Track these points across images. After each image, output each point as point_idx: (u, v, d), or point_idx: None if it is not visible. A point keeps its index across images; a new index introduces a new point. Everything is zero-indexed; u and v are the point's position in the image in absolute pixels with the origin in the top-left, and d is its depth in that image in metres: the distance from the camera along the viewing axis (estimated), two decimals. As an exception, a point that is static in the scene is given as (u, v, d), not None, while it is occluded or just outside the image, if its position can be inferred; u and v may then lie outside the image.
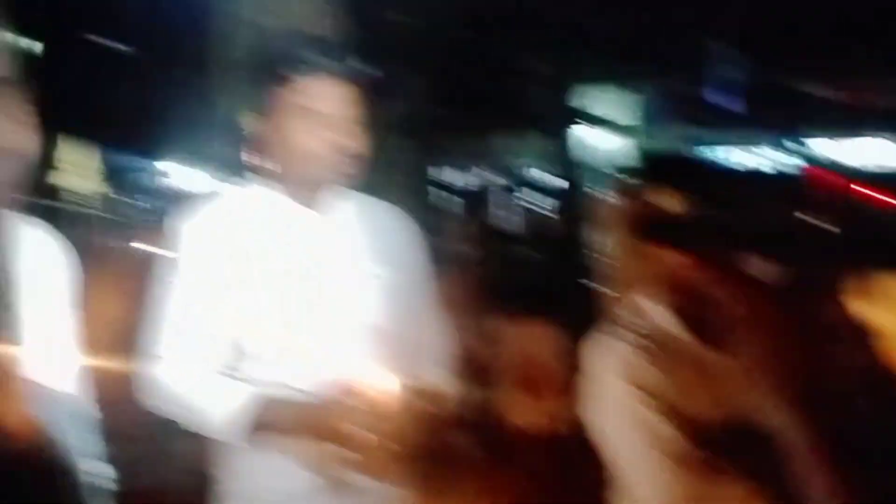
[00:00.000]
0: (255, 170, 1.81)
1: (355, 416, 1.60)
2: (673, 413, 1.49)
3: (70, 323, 1.41)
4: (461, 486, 1.78)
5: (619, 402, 1.52)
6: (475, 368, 2.90)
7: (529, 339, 3.29)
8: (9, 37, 1.27)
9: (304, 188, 1.74)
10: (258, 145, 1.76)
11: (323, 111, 1.69)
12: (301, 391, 1.70)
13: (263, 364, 1.74)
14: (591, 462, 1.59)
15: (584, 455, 1.63)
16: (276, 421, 1.69)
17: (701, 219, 1.46)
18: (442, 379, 1.91)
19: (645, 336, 1.57)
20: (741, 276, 1.47)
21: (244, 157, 1.85)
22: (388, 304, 1.86)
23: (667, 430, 1.47)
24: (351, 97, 1.74)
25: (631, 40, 6.94)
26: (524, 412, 2.90)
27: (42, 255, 1.40)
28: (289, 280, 1.76)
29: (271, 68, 1.68)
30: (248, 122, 1.75)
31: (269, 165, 1.78)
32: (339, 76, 1.72)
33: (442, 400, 1.88)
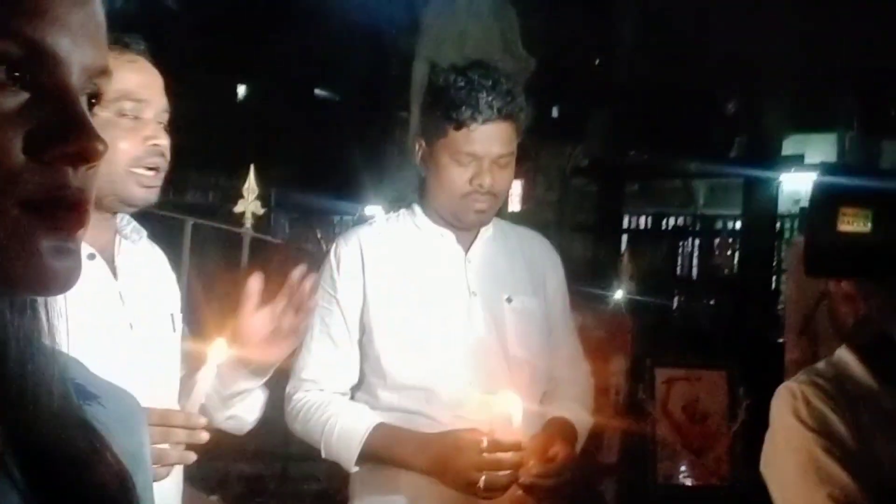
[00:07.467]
0: (416, 203, 1.85)
1: (476, 453, 1.57)
2: (857, 465, 1.35)
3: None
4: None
5: (800, 448, 1.40)
6: (629, 414, 2.76)
7: (695, 391, 3.10)
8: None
9: (454, 222, 1.76)
10: (421, 180, 1.80)
11: (481, 154, 1.70)
12: (435, 421, 1.69)
13: (401, 391, 1.75)
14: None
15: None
16: (389, 450, 1.68)
17: (874, 242, 1.30)
18: (579, 417, 1.83)
19: (834, 385, 1.44)
20: None
21: (409, 191, 1.89)
22: (529, 336, 1.81)
23: (848, 481, 1.34)
24: (510, 139, 1.73)
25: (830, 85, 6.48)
26: (680, 467, 2.72)
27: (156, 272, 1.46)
28: (432, 308, 1.77)
29: (444, 115, 1.71)
30: (416, 159, 1.80)
31: (425, 199, 1.81)
32: (503, 120, 1.73)
33: (577, 440, 1.79)
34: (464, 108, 1.63)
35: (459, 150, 1.65)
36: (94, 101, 0.53)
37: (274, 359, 1.45)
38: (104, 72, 0.53)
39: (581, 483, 1.80)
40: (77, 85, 0.51)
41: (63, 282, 0.51)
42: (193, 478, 1.46)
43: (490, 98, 1.63)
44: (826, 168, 1.55)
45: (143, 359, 1.32)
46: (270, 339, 1.41)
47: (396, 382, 1.71)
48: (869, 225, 1.29)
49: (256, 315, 1.40)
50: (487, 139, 1.65)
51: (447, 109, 1.64)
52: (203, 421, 1.24)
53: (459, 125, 1.64)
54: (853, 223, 1.31)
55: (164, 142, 1.30)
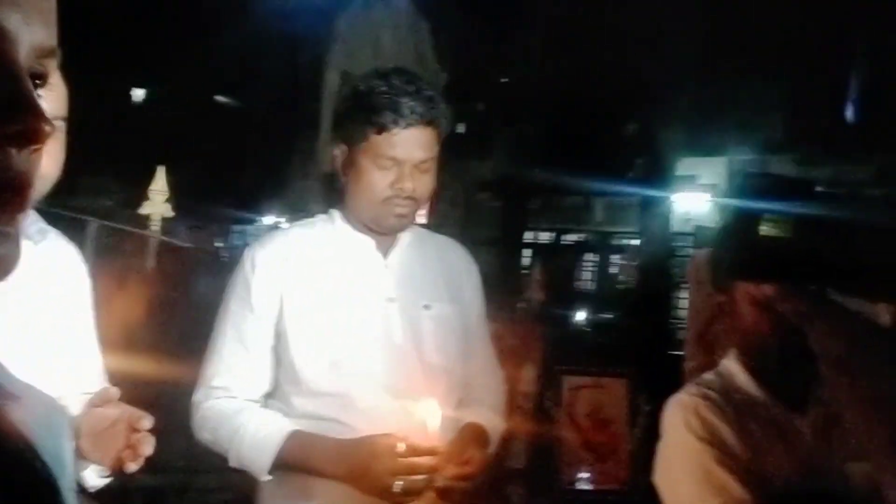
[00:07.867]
0: (331, 208, 1.85)
1: (393, 458, 1.58)
2: (748, 474, 1.41)
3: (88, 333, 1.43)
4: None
5: (692, 460, 1.45)
6: (537, 420, 2.83)
7: (599, 399, 3.20)
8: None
9: (374, 228, 1.76)
10: (338, 185, 1.80)
11: (402, 159, 1.71)
12: (350, 428, 1.69)
13: (316, 398, 1.74)
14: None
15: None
16: (305, 457, 1.66)
17: (793, 247, 1.38)
18: (493, 423, 1.86)
19: (723, 396, 1.50)
20: (837, 315, 1.36)
21: (324, 196, 1.88)
22: (446, 343, 1.83)
23: (740, 491, 1.39)
24: (431, 144, 1.75)
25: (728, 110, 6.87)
26: (584, 472, 2.80)
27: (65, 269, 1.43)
28: (349, 314, 1.77)
29: (366, 119, 1.71)
30: (330, 163, 1.80)
31: (344, 205, 1.81)
32: (425, 126, 1.75)
33: (490, 445, 1.82)
34: (386, 112, 1.64)
35: (381, 154, 1.66)
36: (38, 82, 0.51)
37: (92, 458, 1.33)
38: (52, 53, 0.52)
39: (490, 487, 1.83)
40: (25, 64, 0.49)
41: (3, 268, 0.49)
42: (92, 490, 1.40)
43: (412, 103, 1.64)
44: (749, 175, 1.64)
45: (31, 361, 1.25)
46: (102, 437, 1.32)
47: (311, 389, 1.69)
48: (789, 230, 1.37)
49: (108, 411, 1.33)
50: (409, 144, 1.66)
51: (369, 114, 1.65)
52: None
53: (381, 129, 1.65)
54: (774, 228, 1.38)
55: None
